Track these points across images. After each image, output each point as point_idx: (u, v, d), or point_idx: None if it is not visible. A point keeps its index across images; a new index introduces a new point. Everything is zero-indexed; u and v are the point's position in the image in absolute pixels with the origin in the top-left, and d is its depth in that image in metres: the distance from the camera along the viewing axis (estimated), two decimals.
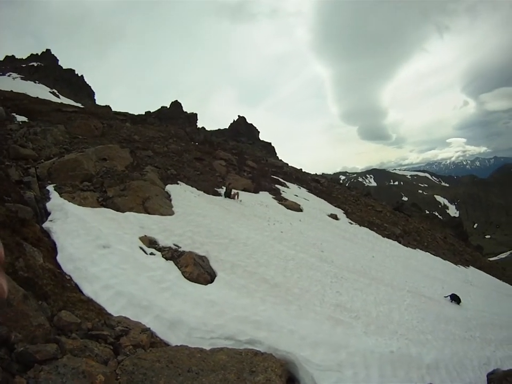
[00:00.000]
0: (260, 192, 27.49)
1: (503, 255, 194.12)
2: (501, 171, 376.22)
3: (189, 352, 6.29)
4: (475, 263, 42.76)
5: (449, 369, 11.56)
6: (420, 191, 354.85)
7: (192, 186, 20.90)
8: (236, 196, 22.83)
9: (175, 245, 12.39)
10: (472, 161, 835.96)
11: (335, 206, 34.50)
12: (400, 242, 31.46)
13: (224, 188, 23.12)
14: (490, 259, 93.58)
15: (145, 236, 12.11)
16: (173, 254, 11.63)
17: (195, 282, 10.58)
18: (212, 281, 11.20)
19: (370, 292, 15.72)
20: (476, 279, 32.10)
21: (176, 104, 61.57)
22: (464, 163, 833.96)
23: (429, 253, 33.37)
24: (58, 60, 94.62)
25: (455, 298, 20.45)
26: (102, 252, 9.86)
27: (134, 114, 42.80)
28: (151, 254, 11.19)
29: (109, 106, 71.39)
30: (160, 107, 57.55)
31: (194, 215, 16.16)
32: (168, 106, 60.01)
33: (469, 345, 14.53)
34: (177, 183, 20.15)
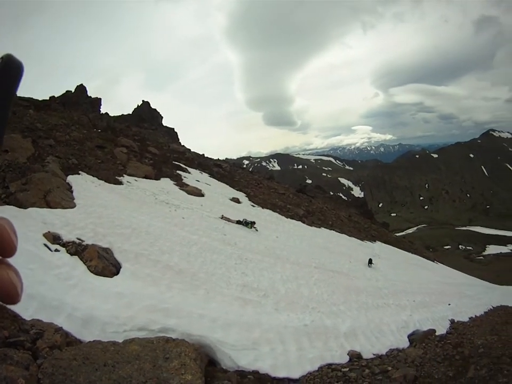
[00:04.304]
0: (161, 178, 27.32)
1: (409, 231, 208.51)
2: (405, 156, 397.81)
3: (103, 346, 6.45)
4: (381, 238, 45.48)
5: (368, 335, 12.23)
6: (324, 174, 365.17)
7: (93, 176, 20.32)
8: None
9: (78, 238, 12.07)
10: (377, 147, 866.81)
11: (237, 190, 35.00)
12: (304, 222, 32.66)
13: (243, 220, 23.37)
14: (397, 234, 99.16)
15: (49, 232, 11.69)
16: (77, 249, 11.39)
17: (101, 276, 10.48)
18: (117, 273, 11.12)
19: (276, 270, 16.24)
20: (384, 252, 34.54)
21: (81, 88, 58.44)
22: (369, 148, 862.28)
23: (334, 231, 34.92)
24: None
25: (369, 261, 23.79)
26: None
27: (38, 100, 40.74)
28: (56, 250, 10.86)
29: None
30: (65, 91, 54.33)
31: (96, 206, 15.83)
32: (73, 91, 57.02)
33: (384, 312, 15.41)
34: (79, 173, 19.48)
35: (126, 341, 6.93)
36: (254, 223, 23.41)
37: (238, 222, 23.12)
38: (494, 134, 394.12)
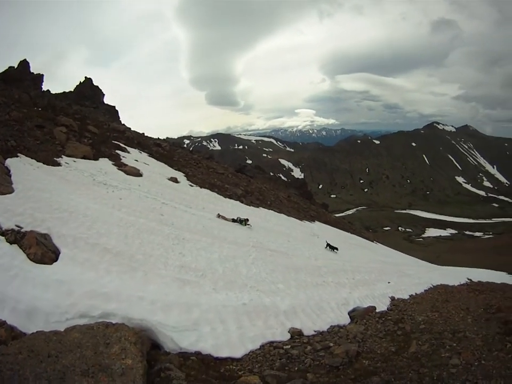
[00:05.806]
0: (100, 159, 26.87)
1: (349, 212, 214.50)
2: (347, 141, 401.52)
3: (45, 336, 6.51)
4: (320, 218, 46.58)
5: (308, 312, 12.52)
6: (265, 155, 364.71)
7: (31, 158, 19.79)
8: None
9: (17, 226, 11.74)
10: (319, 130, 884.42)
11: (176, 170, 34.91)
12: (242, 202, 33.01)
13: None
14: (337, 215, 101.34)
15: None
16: (16, 237, 11.07)
17: (41, 263, 10.29)
18: (56, 259, 10.89)
19: (214, 250, 16.26)
20: (323, 232, 35.10)
21: (23, 64, 55.80)
22: (311, 132, 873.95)
23: (272, 211, 35.41)
24: None
25: (330, 246, 24.85)
26: None
27: None
28: None
29: None
30: (7, 67, 51.70)
31: (34, 189, 15.42)
32: (16, 67, 54.32)
33: (323, 290, 15.60)
34: (17, 156, 18.96)
35: (67, 329, 6.99)
36: (247, 220, 24.48)
37: (233, 220, 24.09)
38: (438, 126, 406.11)
